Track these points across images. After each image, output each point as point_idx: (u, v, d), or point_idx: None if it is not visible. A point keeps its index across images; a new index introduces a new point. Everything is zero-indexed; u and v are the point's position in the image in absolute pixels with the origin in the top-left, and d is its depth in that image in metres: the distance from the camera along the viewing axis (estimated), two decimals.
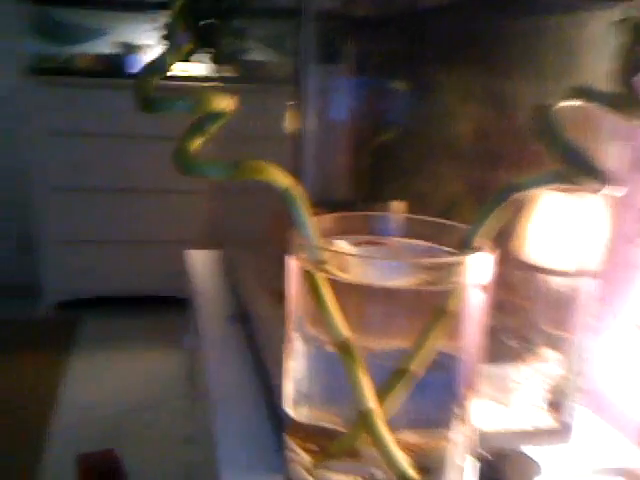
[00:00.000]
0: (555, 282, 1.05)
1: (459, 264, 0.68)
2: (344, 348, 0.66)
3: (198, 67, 3.40)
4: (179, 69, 3.40)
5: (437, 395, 0.71)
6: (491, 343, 1.05)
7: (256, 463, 0.85)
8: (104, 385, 3.10)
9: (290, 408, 0.75)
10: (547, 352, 1.02)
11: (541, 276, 1.06)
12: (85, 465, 1.82)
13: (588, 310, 0.98)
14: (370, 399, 0.66)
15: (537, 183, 0.64)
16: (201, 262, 1.60)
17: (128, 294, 3.83)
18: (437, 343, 0.66)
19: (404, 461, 0.68)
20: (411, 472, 0.71)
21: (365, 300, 0.67)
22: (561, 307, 1.04)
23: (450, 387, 0.70)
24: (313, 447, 0.74)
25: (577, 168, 0.57)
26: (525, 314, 1.09)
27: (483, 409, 1.04)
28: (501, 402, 1.06)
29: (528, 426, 1.02)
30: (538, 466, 0.79)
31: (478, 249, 0.65)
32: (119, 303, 3.83)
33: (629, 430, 1.11)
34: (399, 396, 0.67)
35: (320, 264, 0.68)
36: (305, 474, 0.74)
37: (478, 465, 0.77)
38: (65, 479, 2.28)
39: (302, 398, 0.74)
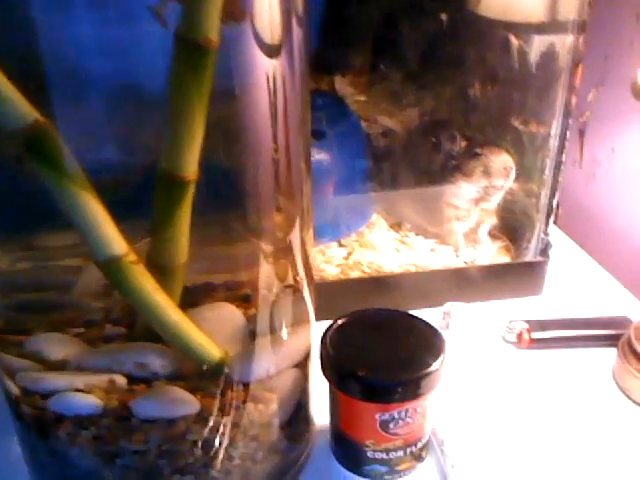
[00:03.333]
0: (523, 44, 0.66)
1: None
2: (35, 144, 0.36)
3: None
4: None
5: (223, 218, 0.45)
6: (417, 148, 0.69)
7: None
8: None
9: None
10: (504, 159, 0.65)
11: (504, 35, 0.68)
12: None
13: (570, 87, 0.60)
14: (111, 239, 0.39)
15: None
16: None
17: None
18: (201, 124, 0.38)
19: (197, 335, 0.43)
20: (212, 352, 0.44)
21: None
22: (529, 85, 0.66)
23: (241, 202, 0.44)
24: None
25: None
26: (476, 100, 0.72)
27: (403, 244, 0.70)
28: (432, 234, 0.71)
29: (468, 269, 0.68)
30: (439, 339, 0.46)
31: None
32: None
33: (631, 272, 0.75)
34: (176, 228, 0.41)
35: None
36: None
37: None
38: None
39: None
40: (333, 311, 0.52)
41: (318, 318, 0.51)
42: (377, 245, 0.69)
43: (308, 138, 0.45)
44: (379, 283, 0.66)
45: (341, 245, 0.70)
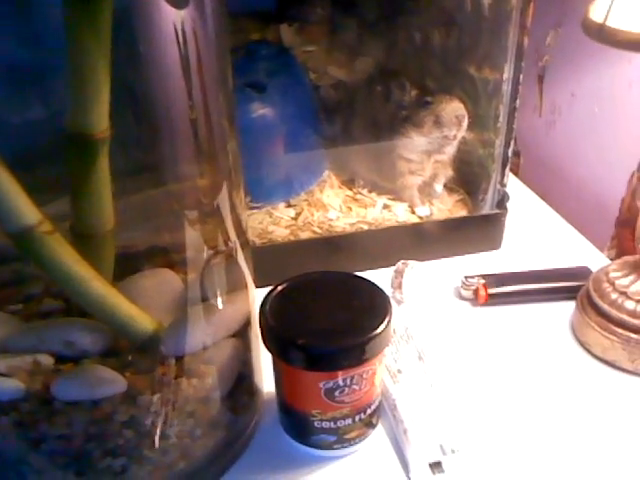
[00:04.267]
0: None
1: None
2: None
3: None
4: None
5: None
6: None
7: None
8: None
9: None
10: (455, 107, 0.62)
11: None
12: None
13: (522, 28, 0.57)
14: (21, 208, 0.35)
15: None
16: None
17: None
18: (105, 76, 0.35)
19: (126, 308, 0.41)
20: (143, 325, 0.41)
21: None
22: (482, 29, 0.63)
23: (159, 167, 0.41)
24: None
25: None
26: (430, 46, 0.69)
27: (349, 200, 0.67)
28: (386, 190, 0.68)
29: (424, 224, 0.65)
30: (385, 300, 0.44)
31: None
32: None
33: (592, 221, 0.73)
34: (95, 192, 0.38)
35: None
36: None
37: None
38: None
39: None
40: (283, 275, 0.48)
41: (267, 283, 0.48)
42: (328, 204, 0.66)
43: (230, 93, 0.41)
44: (331, 243, 0.64)
45: (289, 205, 0.66)
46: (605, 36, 0.43)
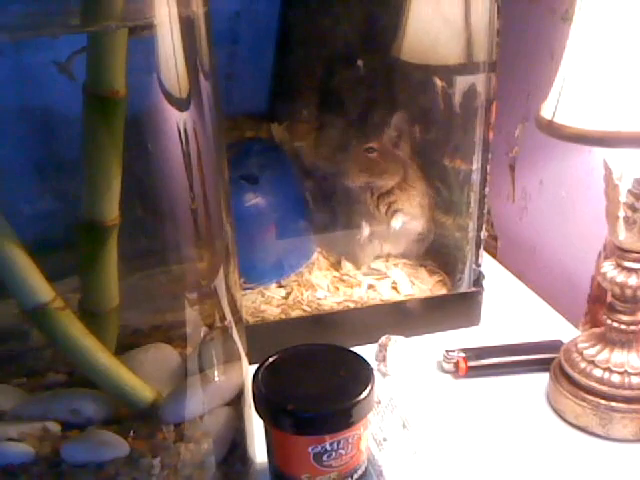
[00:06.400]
0: (446, 86, 0.69)
1: None
2: None
3: None
4: None
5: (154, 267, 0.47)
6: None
7: None
8: None
9: None
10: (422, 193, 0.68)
11: (429, 78, 0.71)
12: None
13: (487, 123, 0.63)
14: (37, 287, 0.40)
15: None
16: None
17: None
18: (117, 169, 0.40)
19: (128, 379, 0.44)
20: (144, 395, 0.45)
21: None
22: (455, 124, 0.69)
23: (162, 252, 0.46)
24: None
25: None
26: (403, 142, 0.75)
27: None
28: (370, 270, 0.73)
29: (407, 302, 0.69)
30: (368, 369, 0.48)
31: None
32: None
33: (565, 298, 0.77)
34: (103, 273, 0.43)
35: None
36: None
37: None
38: None
39: None
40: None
41: (261, 359, 0.51)
42: (316, 284, 0.71)
43: (226, 185, 0.47)
44: (320, 321, 0.68)
45: (280, 286, 0.71)
46: (553, 131, 0.49)
